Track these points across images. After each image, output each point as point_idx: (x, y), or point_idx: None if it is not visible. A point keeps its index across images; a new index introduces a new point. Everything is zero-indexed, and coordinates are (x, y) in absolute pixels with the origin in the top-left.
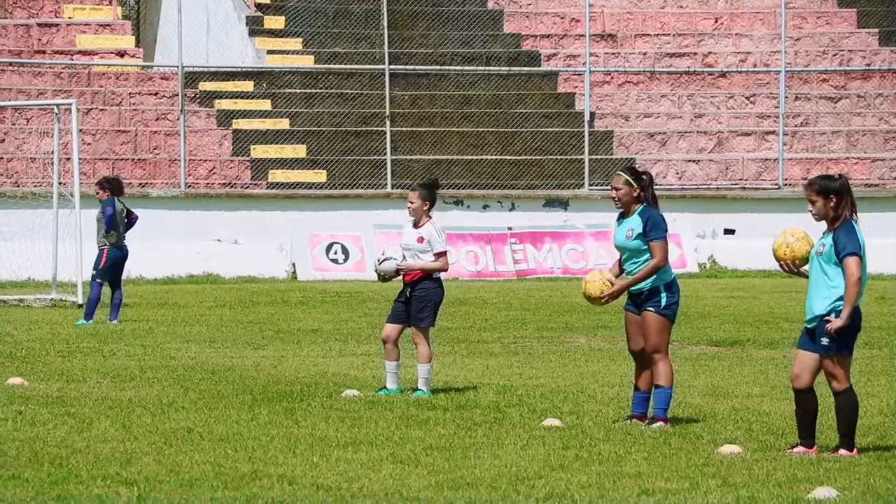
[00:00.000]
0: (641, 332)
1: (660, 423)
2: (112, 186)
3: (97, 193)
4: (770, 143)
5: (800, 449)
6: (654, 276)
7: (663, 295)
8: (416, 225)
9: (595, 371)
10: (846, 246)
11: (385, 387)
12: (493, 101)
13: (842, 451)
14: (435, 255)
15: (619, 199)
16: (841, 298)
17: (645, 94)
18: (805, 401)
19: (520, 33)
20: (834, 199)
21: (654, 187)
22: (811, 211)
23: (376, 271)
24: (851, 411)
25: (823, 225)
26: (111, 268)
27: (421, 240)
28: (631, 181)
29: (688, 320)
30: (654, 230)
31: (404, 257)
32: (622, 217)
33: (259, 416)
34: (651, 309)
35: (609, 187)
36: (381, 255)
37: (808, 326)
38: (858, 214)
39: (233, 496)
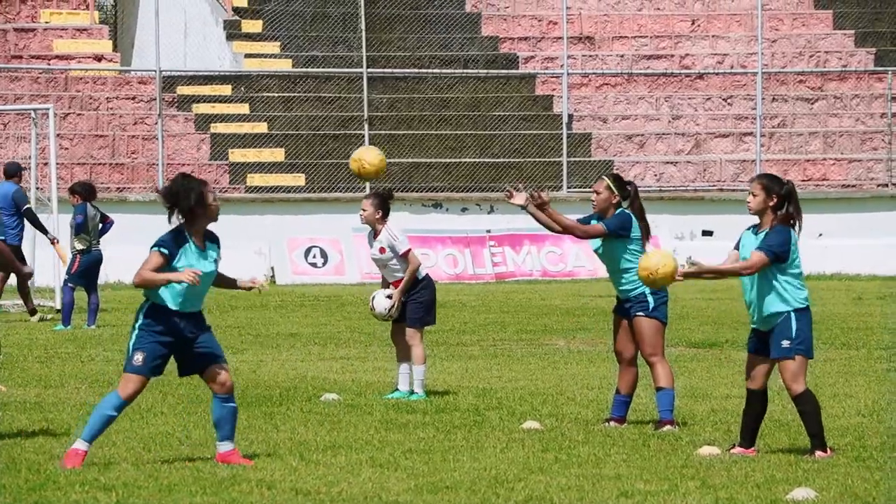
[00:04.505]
0: (629, 336)
1: (668, 427)
2: (84, 191)
3: (71, 198)
4: (747, 144)
5: (738, 450)
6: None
7: (650, 298)
8: (374, 235)
9: (574, 373)
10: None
11: (397, 388)
12: (472, 104)
13: (818, 453)
14: (401, 256)
15: (597, 203)
16: (795, 301)
17: (622, 96)
18: (756, 402)
19: (497, 36)
20: (775, 199)
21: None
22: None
23: (378, 315)
24: (817, 411)
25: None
26: (84, 272)
27: (383, 250)
28: (613, 188)
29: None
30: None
31: (389, 297)
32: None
33: (238, 420)
34: (640, 314)
35: (589, 189)
36: (376, 305)
37: (762, 329)
38: (838, 216)
39: (212, 501)
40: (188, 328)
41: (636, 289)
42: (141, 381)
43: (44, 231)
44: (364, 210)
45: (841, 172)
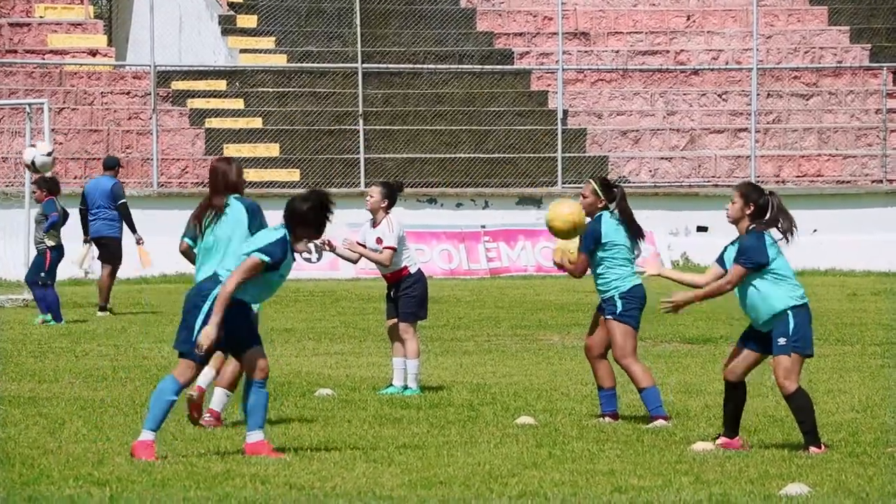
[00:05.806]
0: (601, 334)
1: (660, 422)
2: (50, 187)
3: (34, 193)
4: (742, 140)
5: (723, 440)
6: (611, 285)
7: (618, 302)
8: (374, 224)
9: (568, 369)
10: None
11: (391, 384)
12: (466, 100)
13: (812, 449)
14: (384, 247)
15: (584, 206)
16: (791, 299)
17: (618, 92)
18: (733, 392)
19: (492, 31)
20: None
21: (628, 185)
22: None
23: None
24: (810, 408)
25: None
26: (52, 268)
27: (379, 241)
28: (599, 191)
29: (661, 318)
30: (586, 239)
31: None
32: None
33: (232, 415)
34: (609, 316)
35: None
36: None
37: (762, 331)
38: (832, 212)
39: (205, 496)
40: (244, 313)
41: (606, 291)
42: (197, 368)
43: (133, 229)
44: (371, 196)
45: (836, 168)
